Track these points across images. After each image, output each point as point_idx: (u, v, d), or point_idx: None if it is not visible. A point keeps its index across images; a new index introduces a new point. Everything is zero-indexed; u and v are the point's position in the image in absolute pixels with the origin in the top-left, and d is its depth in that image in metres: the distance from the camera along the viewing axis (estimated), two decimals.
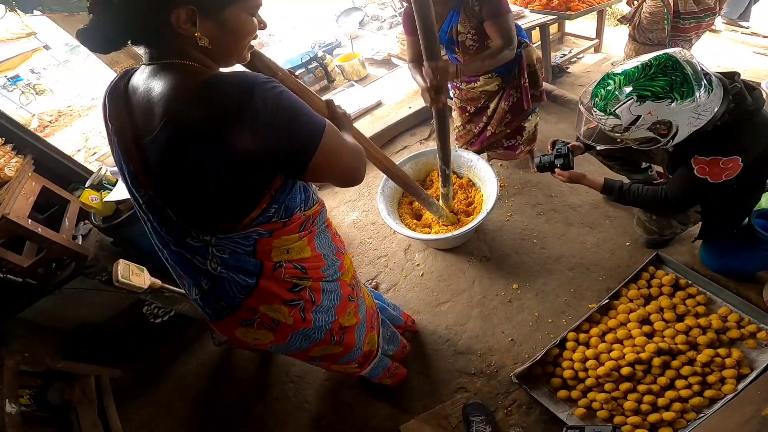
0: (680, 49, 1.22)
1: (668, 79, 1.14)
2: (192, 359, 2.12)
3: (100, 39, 0.72)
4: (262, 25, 0.81)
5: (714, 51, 3.24)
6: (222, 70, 0.80)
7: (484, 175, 2.01)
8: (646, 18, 2.63)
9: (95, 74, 7.16)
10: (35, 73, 8.30)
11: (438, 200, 2.02)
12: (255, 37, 0.82)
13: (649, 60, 1.19)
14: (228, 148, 0.68)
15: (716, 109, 1.19)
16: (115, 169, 2.22)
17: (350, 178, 0.88)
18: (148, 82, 0.73)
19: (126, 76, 0.80)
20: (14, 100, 7.15)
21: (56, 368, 1.83)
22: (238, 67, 0.87)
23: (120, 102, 0.77)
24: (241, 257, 0.84)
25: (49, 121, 6.86)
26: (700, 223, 1.60)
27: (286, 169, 0.78)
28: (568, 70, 3.27)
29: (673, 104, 1.15)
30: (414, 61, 1.82)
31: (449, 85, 2.32)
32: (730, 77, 1.26)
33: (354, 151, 0.87)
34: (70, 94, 7.78)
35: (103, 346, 2.22)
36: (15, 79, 7.73)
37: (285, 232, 0.87)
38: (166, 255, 0.88)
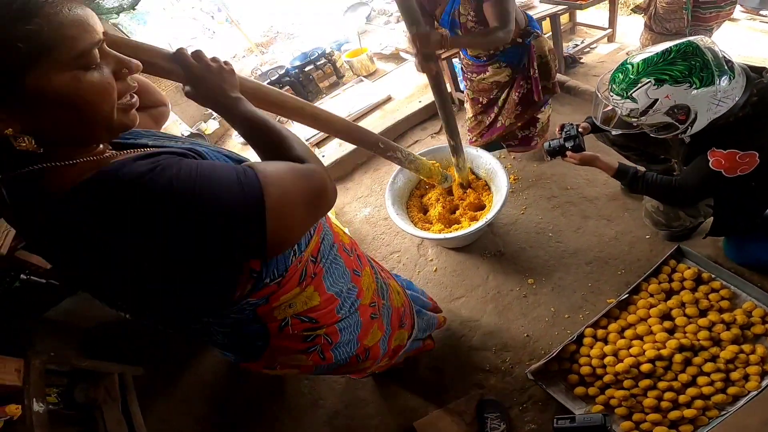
0: (702, 36, 1.20)
1: (688, 63, 1.13)
2: (209, 356, 2.16)
3: None
4: (125, 71, 0.55)
5: (733, 40, 3.12)
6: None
7: (498, 179, 1.98)
8: (662, 7, 2.55)
9: None
10: None
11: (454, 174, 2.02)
12: (125, 91, 0.56)
13: (669, 46, 1.18)
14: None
15: (737, 98, 1.17)
16: None
17: (320, 212, 0.71)
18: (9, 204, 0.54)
19: None
20: None
21: (81, 367, 1.88)
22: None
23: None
24: (244, 326, 0.77)
25: None
26: (712, 218, 1.56)
27: (239, 260, 0.64)
28: (582, 61, 3.19)
29: (692, 89, 1.14)
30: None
31: (460, 78, 2.31)
32: (758, 71, 1.23)
33: (308, 180, 0.65)
34: None
35: (124, 343, 2.28)
36: None
37: (282, 293, 0.75)
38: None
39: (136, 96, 0.59)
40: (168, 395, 2.08)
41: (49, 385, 1.74)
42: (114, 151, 0.60)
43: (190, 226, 0.52)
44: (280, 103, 0.99)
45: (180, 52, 0.74)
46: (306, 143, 0.75)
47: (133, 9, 3.44)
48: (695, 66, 1.12)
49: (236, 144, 3.85)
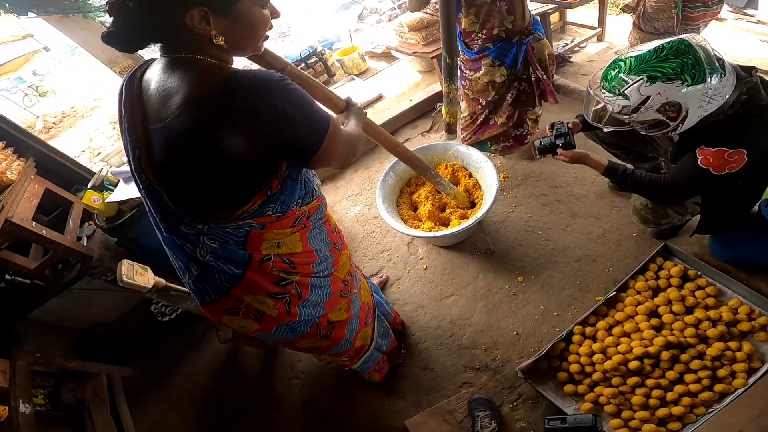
0: (693, 34, 1.19)
1: (680, 61, 1.13)
2: (199, 357, 2.12)
3: (123, 40, 0.74)
4: (276, 14, 0.83)
5: (720, 39, 3.15)
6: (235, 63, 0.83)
7: (488, 176, 1.98)
8: (651, 7, 2.55)
9: (96, 75, 7.13)
10: (37, 75, 8.29)
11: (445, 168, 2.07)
12: (270, 28, 0.82)
13: (662, 44, 1.17)
14: (240, 143, 0.71)
15: (728, 96, 1.17)
16: (117, 169, 2.22)
17: (344, 163, 0.94)
18: (164, 73, 0.75)
19: (143, 67, 0.82)
20: (17, 102, 7.15)
21: (68, 368, 1.85)
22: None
23: (135, 90, 0.79)
24: (231, 248, 0.85)
25: (53, 123, 6.87)
26: (699, 216, 1.56)
27: (292, 160, 0.82)
28: (571, 60, 3.19)
29: (684, 86, 1.13)
30: None
31: (458, 75, 2.30)
32: (748, 71, 1.24)
33: (349, 142, 0.94)
34: (73, 96, 7.77)
35: (113, 344, 2.24)
36: (17, 81, 7.73)
37: (277, 226, 0.88)
38: (160, 238, 0.90)
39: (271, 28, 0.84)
40: (158, 396, 2.05)
41: (36, 386, 1.72)
42: None
43: (294, 114, 0.74)
44: (380, 133, 1.52)
45: (348, 99, 1.23)
46: (360, 130, 1.13)
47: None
48: (687, 63, 1.12)
49: None
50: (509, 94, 2.04)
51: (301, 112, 0.75)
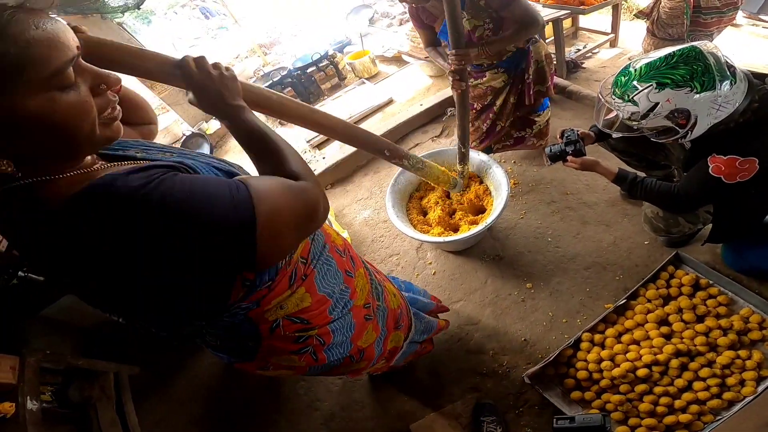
0: (705, 42, 1.22)
1: (689, 68, 1.14)
2: (205, 357, 2.17)
3: None
4: (111, 84, 0.55)
5: (736, 46, 3.16)
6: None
7: (498, 182, 2.01)
8: (665, 13, 2.58)
9: None
10: None
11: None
12: (106, 106, 0.55)
13: (673, 51, 1.19)
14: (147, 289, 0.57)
15: (738, 103, 1.18)
16: None
17: (309, 230, 0.73)
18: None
19: None
20: None
21: (77, 365, 1.88)
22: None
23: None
24: (235, 328, 0.78)
25: None
26: (711, 225, 1.57)
27: (233, 271, 0.66)
28: (583, 66, 3.23)
29: (693, 93, 1.15)
30: (430, 46, 2.03)
31: None
32: (761, 78, 1.25)
33: (299, 197, 0.66)
34: None
35: (121, 343, 2.29)
36: None
37: (273, 296, 0.77)
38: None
39: (118, 107, 0.58)
40: (163, 395, 2.10)
41: (44, 383, 1.75)
42: (103, 162, 0.60)
43: (183, 240, 0.53)
44: (283, 109, 1.00)
45: (184, 59, 0.74)
46: (302, 157, 0.78)
47: (138, 8, 3.49)
48: (697, 70, 1.14)
49: (237, 143, 3.89)
50: (512, 97, 2.11)
51: (192, 223, 0.53)
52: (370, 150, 1.36)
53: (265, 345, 0.82)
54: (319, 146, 3.30)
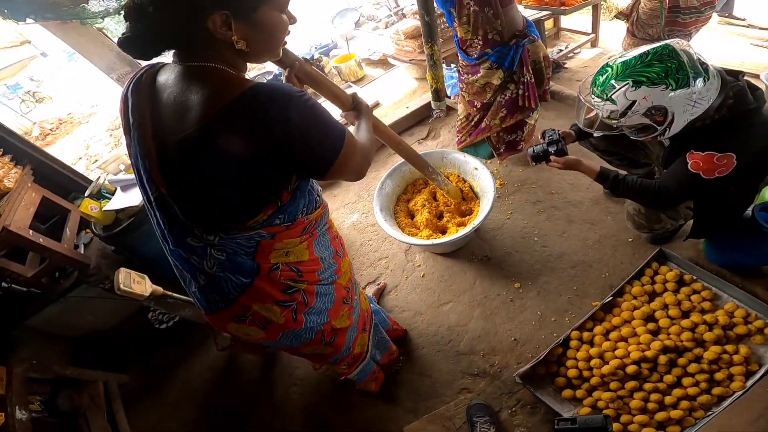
0: (678, 39, 1.22)
1: (664, 65, 1.16)
2: (197, 363, 2.11)
3: (140, 47, 0.73)
4: (293, 20, 0.82)
5: (712, 44, 3.19)
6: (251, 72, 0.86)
7: (485, 184, 2.00)
8: (645, 13, 2.59)
9: (93, 81, 7.13)
10: (34, 81, 8.28)
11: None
12: (288, 33, 0.83)
13: (647, 49, 1.20)
14: (259, 158, 0.72)
15: (713, 100, 1.20)
16: (114, 177, 2.22)
17: (358, 176, 0.93)
18: (180, 83, 0.74)
19: (151, 71, 0.81)
20: (14, 108, 7.13)
21: (64, 375, 1.84)
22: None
23: (145, 97, 0.78)
24: (239, 258, 0.85)
25: (50, 129, 6.84)
26: (692, 220, 1.57)
27: (307, 173, 0.84)
28: (566, 66, 3.23)
29: (669, 90, 1.16)
30: None
31: (448, 83, 2.32)
32: (734, 75, 1.25)
33: (364, 154, 0.93)
34: (71, 102, 7.77)
35: (110, 352, 2.22)
36: (15, 87, 7.71)
37: (287, 236, 0.89)
38: (166, 250, 0.90)
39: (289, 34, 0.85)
40: (155, 402, 2.04)
41: (32, 393, 1.71)
42: None
43: (311, 129, 0.75)
44: (384, 130, 1.49)
45: (355, 95, 1.19)
46: (373, 138, 1.11)
47: (119, 14, 3.39)
48: (671, 68, 1.15)
49: None
50: (500, 96, 2.08)
51: (318, 127, 0.76)
52: (420, 167, 1.82)
53: (257, 285, 0.87)
54: None
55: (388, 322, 1.75)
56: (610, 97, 1.24)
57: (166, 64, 0.80)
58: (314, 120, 0.75)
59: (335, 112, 1.51)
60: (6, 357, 1.68)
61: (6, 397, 1.51)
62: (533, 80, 1.98)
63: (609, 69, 1.25)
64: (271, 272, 0.89)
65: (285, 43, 0.85)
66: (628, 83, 1.20)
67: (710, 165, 1.23)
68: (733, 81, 1.23)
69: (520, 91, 2.03)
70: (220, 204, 0.79)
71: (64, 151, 5.63)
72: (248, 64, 0.86)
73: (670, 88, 1.16)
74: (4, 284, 1.90)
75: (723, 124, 1.23)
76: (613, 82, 1.23)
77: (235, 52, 0.75)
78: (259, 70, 4.51)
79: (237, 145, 0.70)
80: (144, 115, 0.77)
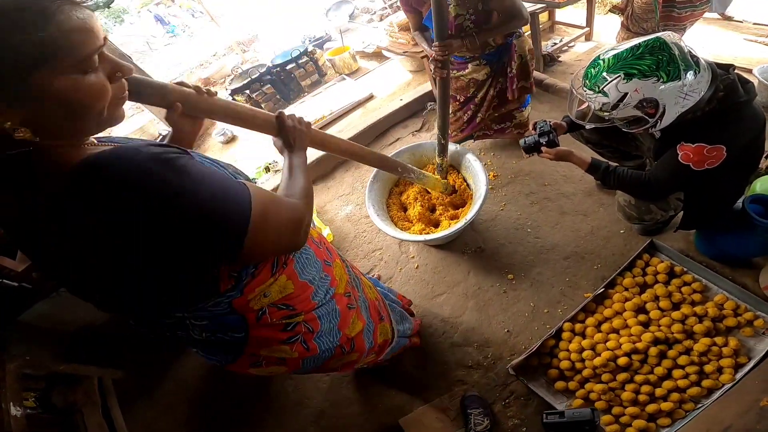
0: (670, 32, 1.19)
1: (655, 58, 1.14)
2: (191, 360, 2.07)
3: None
4: (123, 72, 0.57)
5: (706, 39, 3.15)
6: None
7: (477, 176, 1.95)
8: (640, 7, 2.54)
9: None
10: None
11: (434, 173, 2.05)
12: (116, 95, 0.57)
13: (639, 42, 1.18)
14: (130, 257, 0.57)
15: (704, 92, 1.18)
16: None
17: (291, 244, 0.76)
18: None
19: None
20: None
21: (58, 371, 1.80)
22: None
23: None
24: (221, 318, 0.76)
25: None
26: (682, 212, 1.55)
27: (217, 259, 0.67)
28: (560, 59, 3.17)
29: (660, 83, 1.14)
30: (417, 30, 1.95)
31: None
32: (725, 68, 1.24)
33: (292, 222, 0.73)
34: None
35: (104, 347, 2.17)
36: None
37: (256, 284, 0.77)
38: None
39: (126, 91, 0.61)
40: (151, 399, 1.99)
41: (26, 389, 1.67)
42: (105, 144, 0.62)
43: (192, 211, 0.56)
44: (339, 147, 1.24)
45: (281, 114, 0.95)
46: (311, 188, 0.86)
47: (108, 7, 3.28)
48: (662, 60, 1.13)
49: (216, 142, 3.74)
50: (492, 90, 2.05)
51: (201, 201, 0.57)
52: (388, 169, 1.66)
53: (254, 334, 0.80)
54: None
55: (397, 299, 1.68)
56: (602, 89, 1.22)
57: None
58: (190, 189, 0.56)
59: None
60: None
61: (0, 394, 1.48)
62: (513, 74, 1.96)
63: (601, 62, 1.23)
64: (259, 319, 0.80)
65: (122, 100, 0.60)
66: (619, 75, 1.17)
67: (700, 157, 1.22)
68: (723, 74, 1.21)
69: (507, 83, 2.01)
70: (158, 308, 0.70)
71: None
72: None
73: (661, 80, 1.14)
74: None
75: (713, 116, 1.22)
76: (604, 74, 1.21)
77: (38, 133, 0.52)
78: (252, 63, 4.41)
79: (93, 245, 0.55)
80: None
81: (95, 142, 0.61)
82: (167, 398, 1.98)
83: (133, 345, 2.16)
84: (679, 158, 1.25)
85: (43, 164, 0.53)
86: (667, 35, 1.17)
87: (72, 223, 0.53)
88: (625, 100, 1.21)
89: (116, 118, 0.60)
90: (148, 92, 0.74)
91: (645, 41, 1.17)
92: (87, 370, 1.91)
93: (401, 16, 3.11)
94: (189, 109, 0.81)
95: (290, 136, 0.93)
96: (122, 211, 0.52)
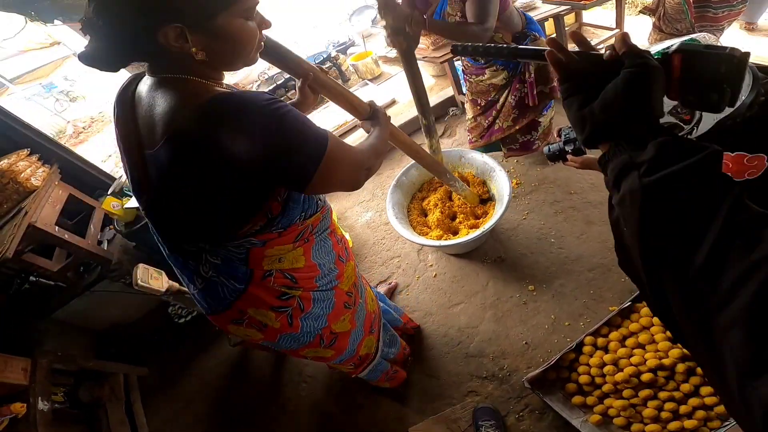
0: (705, 34, 1.17)
1: None
2: (211, 358, 2.19)
3: (101, 60, 0.71)
4: (265, 25, 0.79)
5: (742, 39, 3.04)
6: (230, 82, 0.82)
7: (501, 186, 1.98)
8: (672, 8, 2.50)
9: (122, 80, 7.40)
10: (68, 81, 8.67)
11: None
12: (260, 40, 0.79)
13: (672, 44, 1.14)
14: (225, 172, 0.71)
15: (744, 97, 1.13)
16: None
17: (351, 186, 0.88)
18: (150, 95, 0.74)
19: (135, 81, 0.81)
20: (49, 107, 7.50)
21: (87, 367, 1.94)
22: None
23: (127, 109, 0.79)
24: (233, 264, 0.86)
25: (83, 128, 7.18)
26: None
27: (286, 185, 0.81)
28: None
29: None
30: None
31: (462, 79, 2.31)
32: (766, 71, 1.19)
33: (356, 161, 0.87)
34: (102, 101, 8.11)
35: (132, 345, 2.33)
36: (49, 86, 8.10)
37: (278, 243, 0.88)
38: (164, 254, 0.92)
39: (264, 42, 0.83)
40: (170, 395, 2.13)
41: (56, 384, 1.80)
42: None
43: (281, 141, 0.71)
44: (403, 140, 1.43)
45: (372, 103, 1.17)
46: (380, 147, 1.01)
47: None
48: None
49: None
50: (511, 97, 2.05)
51: (290, 136, 0.72)
52: (438, 173, 1.78)
53: (251, 291, 0.88)
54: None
55: (399, 320, 1.76)
56: None
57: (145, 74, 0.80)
58: (285, 129, 0.71)
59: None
60: (31, 349, 1.77)
61: (29, 388, 1.59)
62: (533, 79, 1.96)
63: None
64: (264, 278, 0.89)
65: (261, 47, 0.81)
66: None
67: (740, 166, 1.18)
68: (765, 77, 1.18)
69: (526, 90, 2.01)
70: (201, 217, 0.79)
71: (96, 148, 5.89)
72: (229, 71, 0.83)
73: None
74: (31, 278, 2.02)
75: (754, 122, 1.17)
76: None
77: (199, 62, 0.71)
78: (265, 82, 4.60)
79: (201, 158, 0.69)
80: (128, 128, 0.78)
81: (225, 86, 0.79)
82: (187, 394, 2.11)
83: (160, 342, 2.30)
84: None
85: (188, 90, 0.71)
86: (704, 37, 1.14)
87: (193, 140, 0.68)
88: None
89: (254, 59, 0.81)
90: (288, 58, 0.99)
91: (679, 43, 1.16)
92: (115, 367, 2.05)
93: None
94: (314, 81, 1.04)
95: (380, 114, 1.13)
96: (236, 132, 0.68)
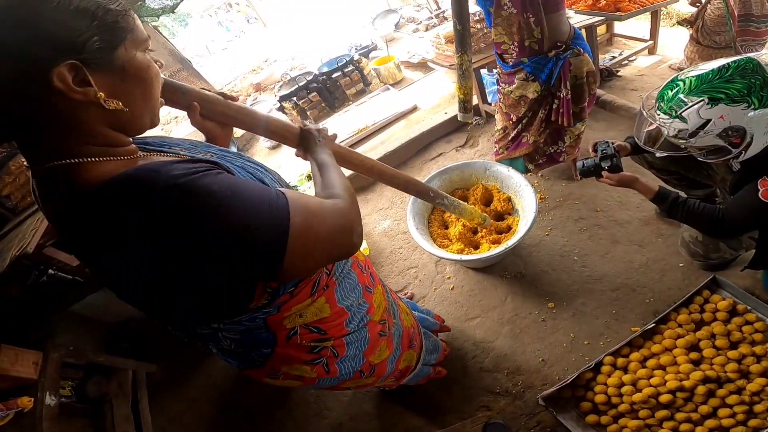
0: (762, 52, 1.22)
1: (747, 81, 1.12)
2: (219, 360, 2.28)
3: None
4: (159, 64, 0.68)
5: None
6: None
7: (526, 203, 2.01)
8: (712, 20, 2.59)
9: None
10: None
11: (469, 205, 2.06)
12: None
13: (727, 63, 1.17)
14: (175, 279, 0.62)
15: None
16: None
17: (345, 250, 0.75)
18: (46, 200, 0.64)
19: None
20: None
21: (98, 361, 2.05)
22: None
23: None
24: (253, 333, 0.83)
25: None
26: (754, 251, 1.53)
27: (255, 278, 0.71)
28: (619, 74, 3.22)
29: (750, 110, 1.12)
30: None
31: (488, 89, 2.35)
32: None
33: (335, 213, 0.72)
34: None
35: (143, 340, 2.45)
36: None
37: (294, 303, 0.83)
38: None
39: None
40: (178, 394, 2.25)
41: (65, 377, 1.92)
42: (144, 153, 0.68)
43: (217, 234, 0.58)
44: (363, 164, 1.32)
45: (302, 125, 1.04)
46: (347, 182, 0.87)
47: (173, 12, 3.77)
48: (755, 84, 1.10)
49: (263, 147, 4.12)
50: (542, 111, 2.08)
51: (224, 216, 0.58)
52: (418, 194, 1.67)
53: (279, 352, 0.87)
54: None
55: (436, 323, 1.79)
56: (680, 114, 1.20)
57: None
58: (214, 209, 0.57)
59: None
60: (44, 341, 1.87)
61: (38, 382, 1.68)
62: (569, 96, 1.96)
63: (680, 83, 1.21)
64: (289, 339, 0.86)
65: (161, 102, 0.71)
66: (703, 100, 1.15)
67: None
68: None
69: (555, 106, 2.03)
70: (197, 307, 0.72)
71: None
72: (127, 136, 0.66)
73: (753, 107, 1.11)
74: (50, 271, 2.18)
75: None
76: (683, 97, 1.19)
77: (105, 122, 0.59)
78: (300, 70, 4.80)
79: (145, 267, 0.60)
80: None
81: (137, 152, 0.67)
82: (193, 394, 2.22)
83: (167, 340, 2.42)
84: (760, 194, 1.21)
85: (81, 177, 0.58)
86: (760, 55, 1.15)
87: (102, 236, 0.59)
88: (707, 128, 1.18)
89: (158, 109, 0.70)
90: (168, 89, 0.84)
91: (735, 62, 1.14)
92: (124, 363, 2.17)
93: (448, 28, 3.31)
94: (207, 111, 0.90)
95: (312, 137, 1.00)
96: (147, 232, 0.56)
